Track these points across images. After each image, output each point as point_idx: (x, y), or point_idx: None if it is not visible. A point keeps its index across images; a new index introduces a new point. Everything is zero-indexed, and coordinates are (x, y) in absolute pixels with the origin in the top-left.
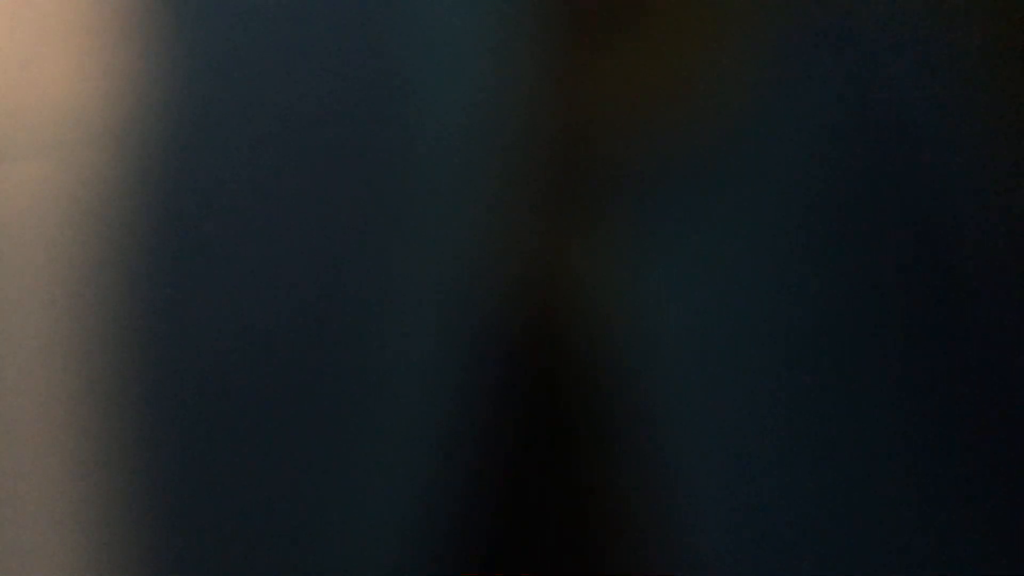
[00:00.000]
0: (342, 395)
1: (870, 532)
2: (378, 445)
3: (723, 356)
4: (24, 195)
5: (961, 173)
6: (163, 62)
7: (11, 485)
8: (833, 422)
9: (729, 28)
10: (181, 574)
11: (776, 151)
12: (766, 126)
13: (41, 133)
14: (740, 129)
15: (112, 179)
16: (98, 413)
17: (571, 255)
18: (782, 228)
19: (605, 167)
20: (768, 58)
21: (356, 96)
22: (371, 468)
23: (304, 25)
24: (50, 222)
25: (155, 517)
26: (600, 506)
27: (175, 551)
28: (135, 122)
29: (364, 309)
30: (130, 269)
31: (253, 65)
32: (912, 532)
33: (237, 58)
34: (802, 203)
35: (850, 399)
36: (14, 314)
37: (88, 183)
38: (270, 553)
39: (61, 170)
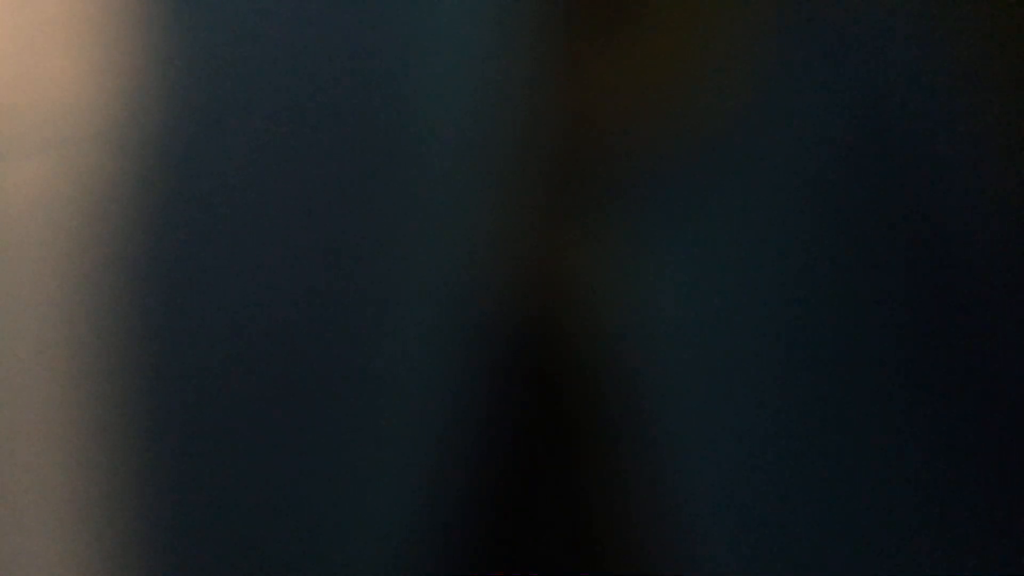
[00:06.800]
0: (341, 394)
1: (870, 531)
2: (378, 444)
3: (722, 354)
4: (25, 193)
5: (960, 171)
6: (163, 60)
7: (11, 485)
8: (832, 420)
9: (728, 27)
10: (181, 574)
11: (775, 150)
12: (765, 125)
13: (42, 131)
14: (739, 128)
15: (113, 177)
16: (99, 412)
17: (571, 254)
18: (781, 227)
19: (604, 166)
20: (766, 57)
21: (355, 96)
22: (370, 467)
23: (304, 24)
24: (51, 220)
25: (155, 516)
26: (600, 506)
27: (174, 551)
28: (136, 120)
29: (364, 308)
30: (131, 267)
31: (253, 64)
32: (912, 531)
33: (237, 57)
34: (801, 201)
35: (849, 396)
36: (14, 312)
37: (89, 181)
38: (270, 552)
39: (62, 168)
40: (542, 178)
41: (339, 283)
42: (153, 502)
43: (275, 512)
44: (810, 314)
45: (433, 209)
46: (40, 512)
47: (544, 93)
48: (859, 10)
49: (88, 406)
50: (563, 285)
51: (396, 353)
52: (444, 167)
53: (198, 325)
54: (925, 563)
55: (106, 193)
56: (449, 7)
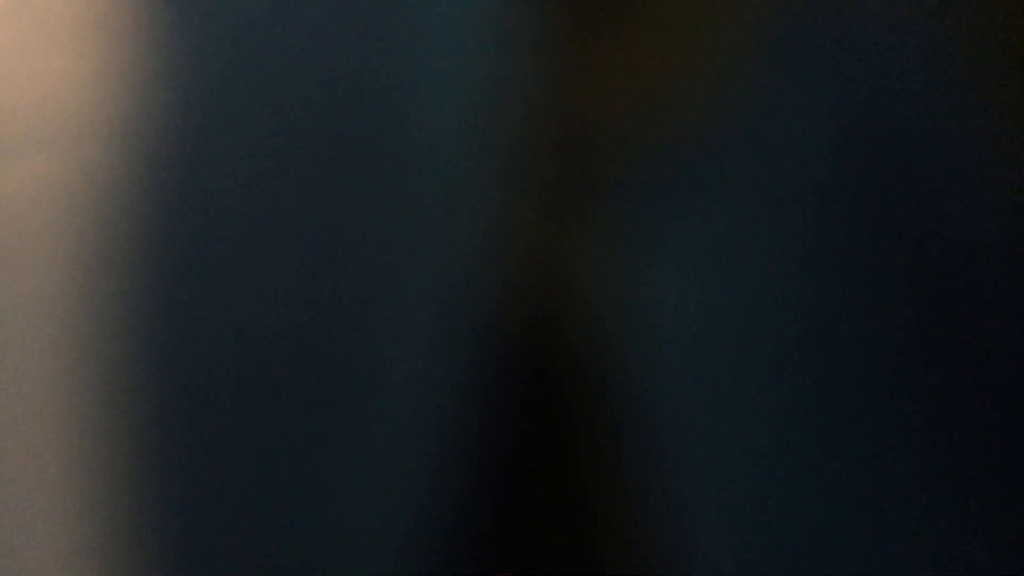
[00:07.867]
0: (341, 394)
1: (870, 531)
2: (377, 444)
3: (721, 354)
4: (25, 191)
5: (960, 171)
6: (164, 58)
7: (11, 484)
8: (832, 420)
9: (727, 28)
10: (182, 573)
11: (774, 150)
12: (764, 125)
13: (42, 129)
14: (738, 127)
15: (113, 175)
16: (99, 410)
17: (570, 254)
18: (780, 226)
19: (604, 166)
20: (765, 58)
21: (355, 95)
22: (371, 467)
23: (304, 23)
24: (51, 218)
25: (155, 516)
26: (600, 506)
27: (175, 550)
28: (136, 118)
29: (363, 308)
30: (131, 265)
31: (253, 62)
32: (912, 532)
33: (237, 56)
34: (800, 201)
35: (848, 397)
36: (15, 310)
37: (89, 179)
38: (270, 552)
39: (62, 166)
40: (542, 178)
41: (338, 283)
42: (154, 502)
43: (276, 511)
44: (809, 313)
45: (433, 209)
46: (41, 512)
47: (543, 93)
48: (857, 11)
49: (89, 405)
50: (563, 285)
51: (396, 353)
52: (444, 167)
53: (198, 324)
54: (925, 563)
55: (106, 192)
56: (448, 8)
